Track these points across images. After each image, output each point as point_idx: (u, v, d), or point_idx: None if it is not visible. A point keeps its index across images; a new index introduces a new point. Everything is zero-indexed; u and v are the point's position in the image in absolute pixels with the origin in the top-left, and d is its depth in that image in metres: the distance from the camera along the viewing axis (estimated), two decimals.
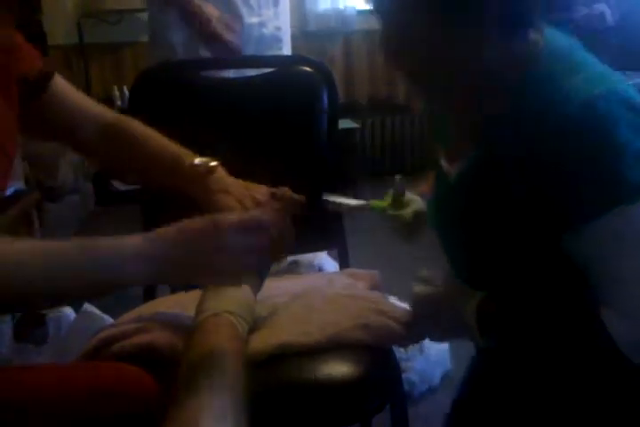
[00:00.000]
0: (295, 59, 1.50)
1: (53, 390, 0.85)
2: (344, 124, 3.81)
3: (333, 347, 1.03)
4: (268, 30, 2.15)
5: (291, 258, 1.29)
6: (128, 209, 2.06)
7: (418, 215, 1.16)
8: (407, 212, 1.16)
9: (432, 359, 2.01)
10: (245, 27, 2.13)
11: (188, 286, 1.08)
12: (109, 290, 0.76)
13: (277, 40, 2.20)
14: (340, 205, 1.21)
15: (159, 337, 1.01)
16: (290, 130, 1.40)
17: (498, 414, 1.02)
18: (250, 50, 2.13)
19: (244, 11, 2.12)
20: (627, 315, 0.80)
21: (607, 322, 0.80)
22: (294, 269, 1.29)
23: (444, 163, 1.01)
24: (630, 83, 0.86)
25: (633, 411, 0.91)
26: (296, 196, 1.05)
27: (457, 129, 0.98)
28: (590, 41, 0.92)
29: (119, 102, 3.91)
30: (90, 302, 1.91)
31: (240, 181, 1.07)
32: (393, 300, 1.71)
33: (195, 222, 0.80)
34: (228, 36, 2.06)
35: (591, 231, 0.79)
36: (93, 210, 3.98)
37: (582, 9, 2.83)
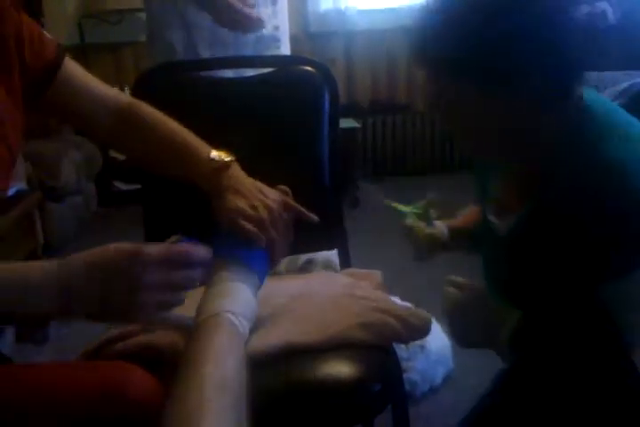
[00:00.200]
0: (296, 59, 1.51)
1: (54, 389, 0.85)
2: (345, 123, 3.80)
3: (335, 347, 1.03)
4: (266, 30, 2.13)
5: (305, 256, 1.29)
6: (130, 210, 2.07)
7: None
8: (440, 231, 1.16)
9: (433, 359, 2.00)
10: None
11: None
12: (11, 320, 0.74)
13: (275, 40, 2.18)
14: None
15: (161, 337, 1.01)
16: (290, 130, 1.40)
17: None
18: (248, 50, 2.11)
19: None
20: None
21: (638, 363, 0.84)
22: (309, 267, 1.28)
23: (491, 217, 1.04)
24: (632, 82, 0.87)
25: None
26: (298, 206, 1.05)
27: (506, 185, 1.01)
28: (592, 40, 0.93)
29: None
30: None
31: (254, 182, 1.06)
32: (395, 299, 1.72)
33: (110, 255, 0.77)
34: (246, 10, 2.03)
35: (627, 282, 0.84)
36: (96, 211, 3.98)
37: (585, 7, 2.82)
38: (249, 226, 0.98)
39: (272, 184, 1.08)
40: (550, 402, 0.96)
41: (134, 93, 1.38)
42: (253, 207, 0.99)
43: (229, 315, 0.86)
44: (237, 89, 1.44)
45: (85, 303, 0.76)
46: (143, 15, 2.33)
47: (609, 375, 0.88)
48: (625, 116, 0.91)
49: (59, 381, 0.87)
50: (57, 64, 1.04)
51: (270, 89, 1.41)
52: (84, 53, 4.04)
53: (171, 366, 0.79)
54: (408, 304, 1.62)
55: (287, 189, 1.08)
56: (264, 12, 2.13)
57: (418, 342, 1.91)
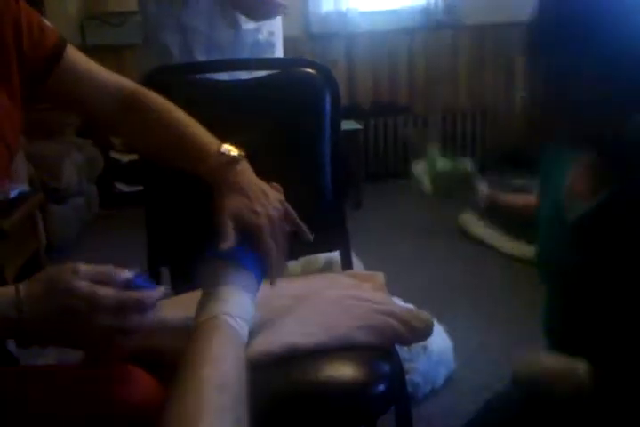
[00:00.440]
0: (298, 61, 1.50)
1: (55, 391, 0.85)
2: (347, 125, 3.81)
3: (337, 348, 1.03)
4: (262, 36, 2.12)
5: (324, 257, 1.28)
6: (132, 211, 2.06)
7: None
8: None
9: (435, 360, 2.00)
10: (241, 33, 2.10)
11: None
12: None
13: (271, 45, 2.17)
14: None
15: (161, 339, 1.01)
16: (292, 132, 1.40)
17: None
18: (245, 55, 2.09)
19: (241, 18, 2.09)
20: None
21: None
22: (328, 268, 1.27)
23: (566, 201, 1.03)
24: None
25: None
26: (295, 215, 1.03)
27: (579, 173, 1.01)
28: None
29: None
30: None
31: (261, 183, 1.03)
32: (397, 301, 1.72)
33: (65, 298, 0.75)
34: None
35: None
36: (97, 212, 3.99)
37: None
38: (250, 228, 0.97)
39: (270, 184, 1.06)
40: None
41: None
42: (255, 212, 0.97)
43: (227, 317, 0.86)
44: (238, 92, 1.44)
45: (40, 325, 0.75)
46: None
47: None
48: None
49: (60, 382, 0.88)
50: (58, 53, 1.02)
51: (272, 91, 1.41)
52: (85, 55, 4.04)
53: (171, 368, 0.79)
54: (410, 306, 1.62)
55: (279, 186, 1.06)
56: None
57: (420, 344, 1.91)
